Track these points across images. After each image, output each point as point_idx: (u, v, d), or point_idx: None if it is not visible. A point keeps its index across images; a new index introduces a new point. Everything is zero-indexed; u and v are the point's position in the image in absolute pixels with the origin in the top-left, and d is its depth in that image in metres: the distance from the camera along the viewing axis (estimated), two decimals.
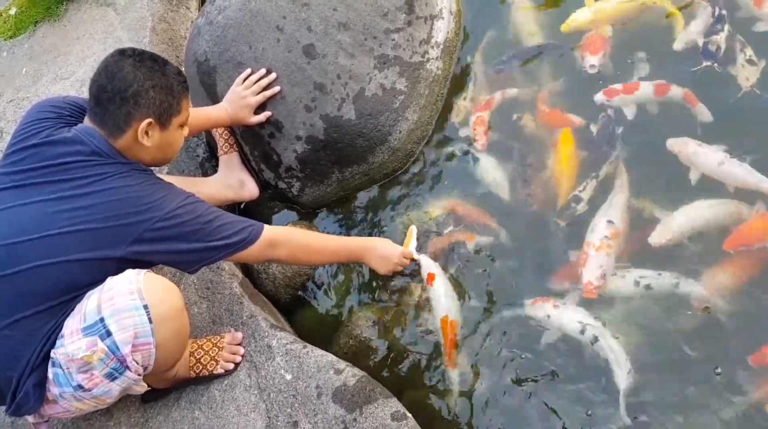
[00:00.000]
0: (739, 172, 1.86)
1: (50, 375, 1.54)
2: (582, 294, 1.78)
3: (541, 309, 1.82)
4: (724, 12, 2.05)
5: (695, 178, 1.90)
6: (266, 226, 1.71)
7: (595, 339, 1.72)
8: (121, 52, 1.62)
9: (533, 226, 1.99)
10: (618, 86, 2.07)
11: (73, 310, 1.54)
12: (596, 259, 1.77)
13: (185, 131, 1.73)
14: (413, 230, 2.02)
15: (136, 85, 1.58)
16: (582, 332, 1.74)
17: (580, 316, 1.77)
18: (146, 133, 1.61)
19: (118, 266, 1.55)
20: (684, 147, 1.95)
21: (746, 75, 1.95)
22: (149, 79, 1.60)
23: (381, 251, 1.91)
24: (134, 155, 1.64)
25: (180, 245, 1.59)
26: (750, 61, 1.98)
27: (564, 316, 1.78)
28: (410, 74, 2.18)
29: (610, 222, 1.83)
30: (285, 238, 1.76)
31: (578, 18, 2.23)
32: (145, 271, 1.56)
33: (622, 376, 1.65)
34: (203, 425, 1.75)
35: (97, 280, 1.54)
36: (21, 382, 1.54)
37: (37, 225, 1.53)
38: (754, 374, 1.60)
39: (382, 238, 2.01)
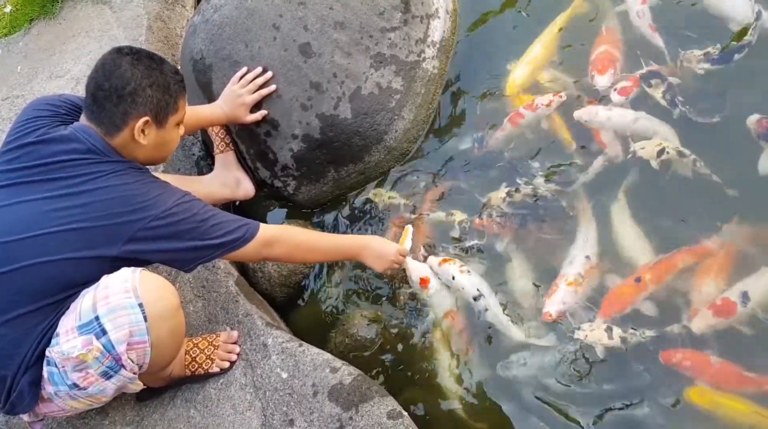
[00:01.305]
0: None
1: (45, 373, 1.53)
2: (540, 316, 1.82)
3: (448, 270, 1.91)
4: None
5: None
6: (262, 225, 1.71)
7: (485, 310, 1.84)
8: (119, 50, 1.62)
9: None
10: (628, 83, 2.06)
11: (68, 308, 1.53)
12: (563, 294, 1.81)
13: (181, 130, 1.73)
14: (409, 230, 2.02)
15: (133, 83, 1.58)
16: (475, 299, 1.85)
17: (479, 284, 1.87)
18: (143, 131, 1.61)
19: (114, 265, 1.55)
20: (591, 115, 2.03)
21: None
22: (146, 78, 1.59)
23: (377, 249, 1.90)
24: (130, 153, 1.63)
25: (175, 244, 1.59)
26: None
27: (467, 281, 1.88)
28: (406, 73, 2.18)
29: (587, 258, 1.86)
30: (281, 236, 1.76)
31: (517, 78, 2.21)
32: (140, 269, 1.56)
33: (515, 331, 1.82)
34: (198, 424, 1.75)
35: (92, 279, 1.54)
36: (15, 381, 1.54)
37: (32, 223, 1.53)
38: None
39: (377, 236, 2.01)
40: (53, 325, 1.53)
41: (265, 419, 1.70)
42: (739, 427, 1.58)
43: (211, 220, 1.63)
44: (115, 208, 1.54)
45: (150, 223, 1.55)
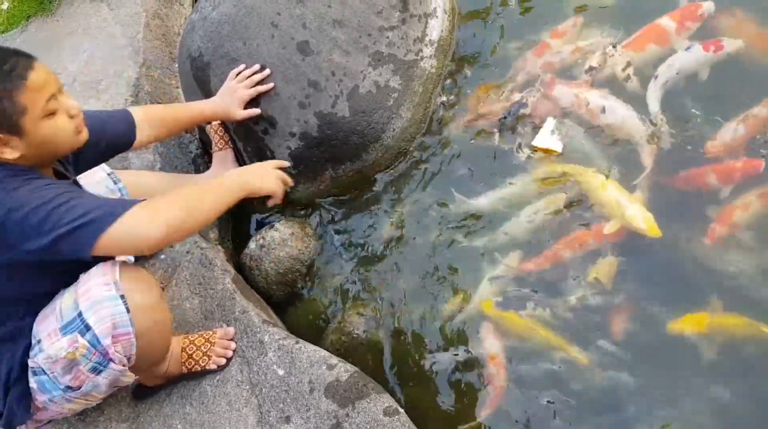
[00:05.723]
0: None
1: (34, 384, 1.53)
2: None
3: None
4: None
5: None
6: (138, 200, 1.49)
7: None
8: None
9: None
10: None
11: (37, 316, 1.53)
12: None
13: (73, 110, 1.49)
14: (551, 122, 2.05)
15: None
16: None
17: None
18: (6, 145, 1.42)
19: (31, 271, 1.48)
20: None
21: None
22: None
23: (256, 170, 1.74)
24: (17, 161, 1.46)
25: (41, 240, 1.39)
26: None
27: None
28: (404, 72, 2.18)
29: None
30: (162, 197, 1.53)
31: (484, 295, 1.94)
32: (119, 262, 1.55)
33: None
34: (195, 420, 1.75)
35: (23, 292, 1.52)
36: (2, 402, 1.55)
37: None
38: None
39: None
40: (21, 340, 1.52)
41: (261, 416, 1.70)
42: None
43: (67, 205, 1.41)
44: None
45: (11, 222, 1.38)
